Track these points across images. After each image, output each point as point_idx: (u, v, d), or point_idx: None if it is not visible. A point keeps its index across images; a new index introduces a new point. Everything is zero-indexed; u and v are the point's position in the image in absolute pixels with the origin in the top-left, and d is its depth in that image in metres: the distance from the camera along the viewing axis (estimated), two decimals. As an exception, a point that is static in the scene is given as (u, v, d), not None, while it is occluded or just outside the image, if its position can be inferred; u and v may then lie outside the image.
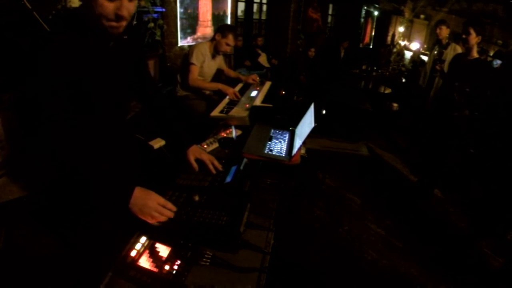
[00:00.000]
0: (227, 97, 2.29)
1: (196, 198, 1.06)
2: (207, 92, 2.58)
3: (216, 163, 1.26)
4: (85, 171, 0.89)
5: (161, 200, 0.96)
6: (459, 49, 3.38)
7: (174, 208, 0.98)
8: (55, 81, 0.87)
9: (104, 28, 0.89)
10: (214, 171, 1.24)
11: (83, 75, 0.93)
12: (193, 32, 4.21)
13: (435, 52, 3.65)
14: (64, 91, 0.88)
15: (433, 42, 4.05)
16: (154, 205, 0.93)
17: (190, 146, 1.28)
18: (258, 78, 2.69)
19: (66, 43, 0.88)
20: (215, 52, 2.54)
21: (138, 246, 0.86)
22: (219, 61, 2.69)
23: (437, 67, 2.99)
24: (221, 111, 1.99)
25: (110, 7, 0.86)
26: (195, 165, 1.25)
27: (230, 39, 2.44)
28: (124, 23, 0.91)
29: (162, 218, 0.94)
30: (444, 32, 3.56)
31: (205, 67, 2.50)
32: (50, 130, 0.87)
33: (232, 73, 2.89)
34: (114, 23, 0.89)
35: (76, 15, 0.93)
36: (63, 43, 0.88)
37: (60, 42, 0.87)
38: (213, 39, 2.51)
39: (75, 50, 0.90)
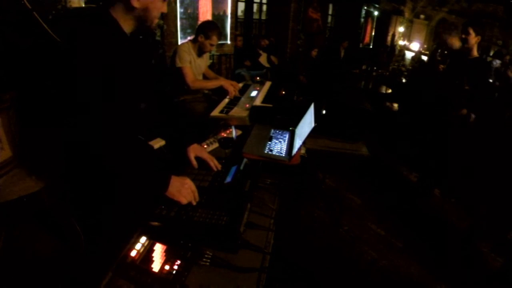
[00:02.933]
0: (227, 97, 2.28)
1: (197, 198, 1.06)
2: (206, 91, 2.55)
3: (216, 163, 1.27)
4: (125, 161, 0.96)
5: (193, 186, 1.06)
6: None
7: (197, 199, 1.05)
8: (93, 71, 0.91)
9: (151, 23, 1.07)
10: (215, 169, 1.25)
11: (113, 65, 0.99)
12: (193, 32, 4.21)
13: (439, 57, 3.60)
14: (100, 81, 0.93)
15: (435, 45, 4.00)
16: (189, 189, 1.04)
17: (191, 144, 1.29)
18: (238, 87, 2.37)
19: (98, 37, 0.96)
20: (200, 52, 2.45)
21: (138, 246, 0.86)
22: (206, 59, 2.61)
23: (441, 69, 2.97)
24: (221, 111, 1.99)
25: (163, 7, 1.06)
26: (194, 162, 1.27)
27: (214, 40, 2.37)
28: None
29: (192, 200, 1.03)
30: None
31: (192, 67, 2.41)
32: (87, 122, 0.90)
33: (211, 74, 2.72)
34: (157, 19, 1.09)
35: (100, 14, 1.02)
36: (96, 36, 0.95)
37: (93, 36, 0.94)
38: (195, 40, 2.41)
39: (106, 43, 0.97)
